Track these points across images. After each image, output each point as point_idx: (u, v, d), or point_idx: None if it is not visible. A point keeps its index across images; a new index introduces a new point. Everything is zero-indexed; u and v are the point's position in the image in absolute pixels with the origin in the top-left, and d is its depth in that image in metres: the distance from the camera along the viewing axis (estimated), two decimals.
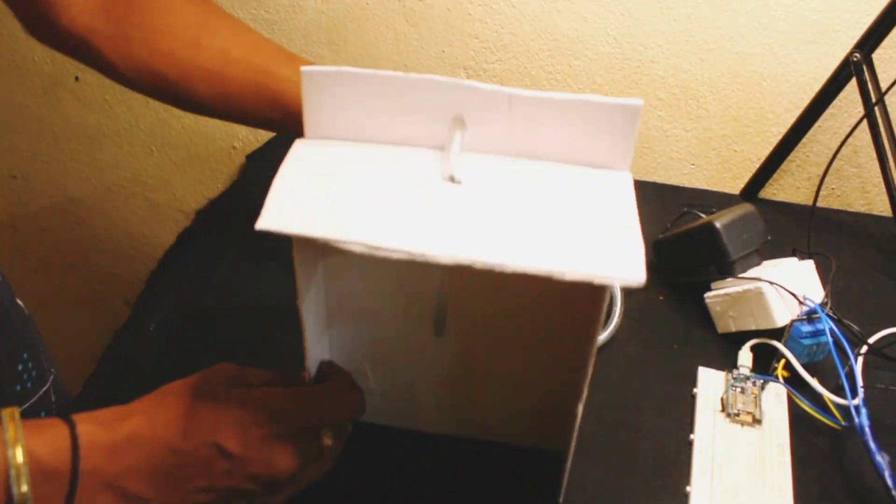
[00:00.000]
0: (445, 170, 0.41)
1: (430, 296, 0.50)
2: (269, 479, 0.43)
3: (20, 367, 0.61)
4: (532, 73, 0.87)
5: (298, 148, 0.44)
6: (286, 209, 0.39)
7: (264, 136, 1.00)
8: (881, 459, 0.52)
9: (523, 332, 0.51)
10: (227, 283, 0.70)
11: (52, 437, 0.41)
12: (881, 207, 0.87)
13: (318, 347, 0.50)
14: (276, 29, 0.90)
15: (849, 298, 0.70)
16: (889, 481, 0.51)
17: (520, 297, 0.49)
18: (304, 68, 0.41)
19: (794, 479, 0.54)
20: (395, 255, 0.36)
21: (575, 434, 0.48)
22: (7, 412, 0.41)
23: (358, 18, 0.87)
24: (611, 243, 0.38)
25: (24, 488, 0.39)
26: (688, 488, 0.54)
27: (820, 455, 0.57)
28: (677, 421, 0.59)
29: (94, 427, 0.43)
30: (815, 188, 0.89)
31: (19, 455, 0.39)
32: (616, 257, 0.37)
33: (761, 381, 0.60)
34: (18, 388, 0.61)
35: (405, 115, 0.43)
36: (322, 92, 0.42)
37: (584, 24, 0.82)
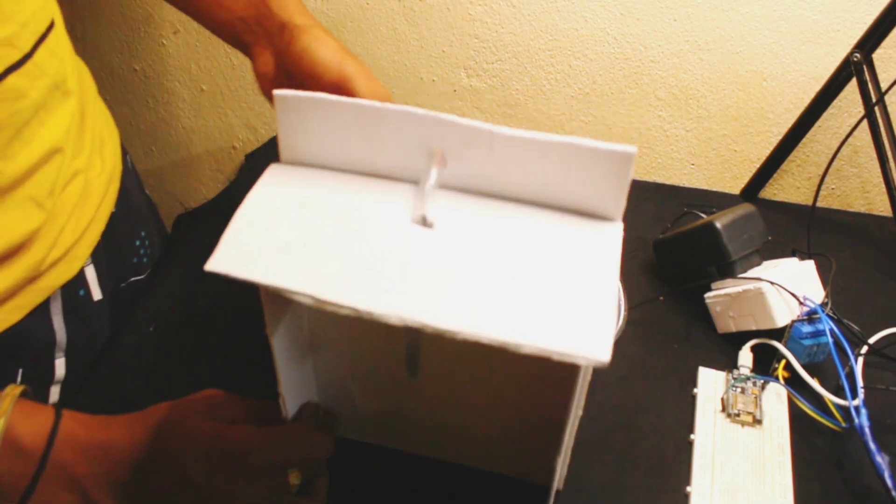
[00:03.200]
0: (418, 210, 0.39)
1: (401, 338, 0.48)
2: None
3: (137, 243, 0.70)
4: (532, 73, 0.87)
5: (269, 176, 0.42)
6: (239, 250, 0.37)
7: (264, 136, 1.00)
8: (881, 460, 0.52)
9: (502, 369, 0.47)
10: (227, 285, 0.70)
11: (36, 421, 0.43)
12: (881, 207, 0.88)
13: (299, 370, 0.49)
14: None
15: (849, 298, 0.70)
16: (889, 482, 0.51)
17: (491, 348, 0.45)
18: (277, 92, 0.40)
19: (795, 479, 0.54)
20: (342, 311, 0.34)
21: (555, 485, 0.47)
22: (10, 388, 0.44)
23: (358, 18, 0.87)
24: (580, 312, 0.35)
25: None
26: (688, 488, 0.54)
27: (820, 455, 0.57)
28: (677, 421, 0.59)
29: (76, 426, 0.44)
30: (815, 188, 0.89)
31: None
32: (582, 329, 0.34)
33: (762, 381, 0.60)
34: (134, 260, 0.69)
35: (382, 146, 0.41)
36: (297, 117, 0.41)
37: (584, 24, 0.82)
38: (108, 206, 0.63)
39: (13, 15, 0.47)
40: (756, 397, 0.59)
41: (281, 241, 0.38)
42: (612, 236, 0.39)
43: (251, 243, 0.37)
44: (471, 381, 0.49)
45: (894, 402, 0.61)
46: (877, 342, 0.64)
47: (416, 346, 0.48)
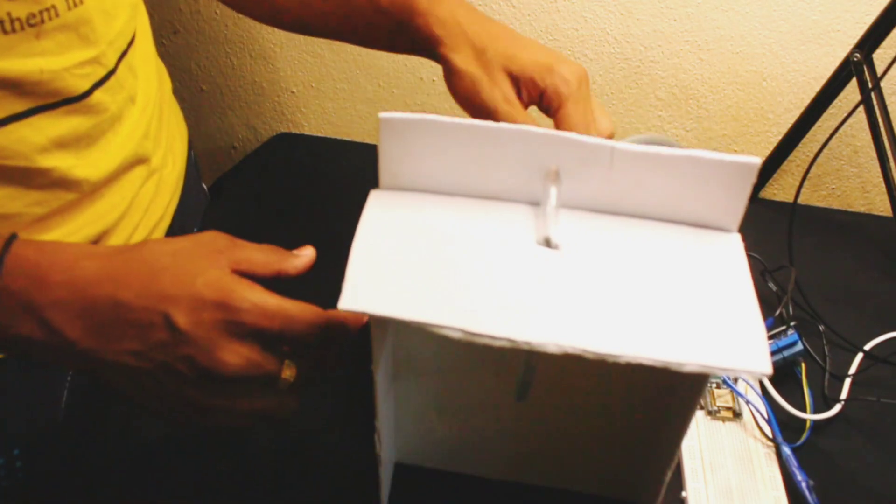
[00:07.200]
0: (541, 231, 0.38)
1: (515, 362, 0.45)
2: (203, 369, 0.40)
3: None
4: None
5: (375, 204, 0.40)
6: (370, 284, 0.35)
7: (264, 135, 1.00)
8: (801, 479, 0.53)
9: (613, 396, 0.47)
10: None
11: None
12: (881, 207, 0.88)
13: (386, 402, 0.47)
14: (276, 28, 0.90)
15: (848, 299, 0.70)
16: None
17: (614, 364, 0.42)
18: (382, 115, 0.38)
19: (782, 468, 0.54)
20: (496, 343, 0.33)
21: (661, 497, 0.46)
22: None
23: None
24: (728, 325, 0.35)
25: None
26: (683, 493, 0.54)
27: (806, 443, 0.57)
28: None
29: (32, 253, 0.41)
30: (815, 188, 0.90)
31: None
32: (736, 343, 0.34)
33: (734, 375, 0.60)
34: None
35: (493, 167, 0.39)
36: (401, 140, 0.39)
37: (584, 24, 0.82)
38: (176, 202, 0.65)
39: (104, 35, 0.49)
40: (731, 391, 0.59)
41: (408, 272, 0.36)
42: (734, 247, 0.39)
43: (378, 277, 0.36)
44: (578, 400, 0.48)
45: (891, 406, 0.61)
46: (874, 347, 0.64)
47: (532, 371, 0.46)
